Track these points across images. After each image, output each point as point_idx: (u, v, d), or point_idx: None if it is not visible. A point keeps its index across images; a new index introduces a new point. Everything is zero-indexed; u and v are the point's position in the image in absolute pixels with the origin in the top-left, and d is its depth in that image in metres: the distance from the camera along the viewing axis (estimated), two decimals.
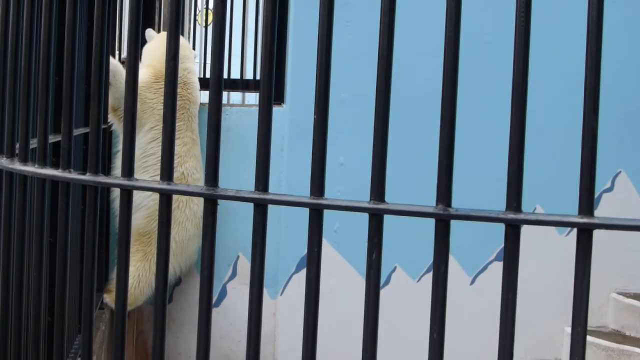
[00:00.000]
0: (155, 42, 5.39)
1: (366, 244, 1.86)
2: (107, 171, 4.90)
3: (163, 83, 5.20)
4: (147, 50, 5.39)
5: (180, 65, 5.15)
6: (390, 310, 5.23)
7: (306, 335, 1.91)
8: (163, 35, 5.50)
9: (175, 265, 5.33)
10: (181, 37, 5.92)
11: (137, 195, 4.96)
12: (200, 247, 5.37)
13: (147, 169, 5.05)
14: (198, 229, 5.29)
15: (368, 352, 1.87)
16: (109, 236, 5.07)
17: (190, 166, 5.19)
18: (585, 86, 1.73)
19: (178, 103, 5.12)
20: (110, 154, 5.09)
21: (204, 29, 7.87)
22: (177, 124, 5.08)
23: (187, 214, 5.25)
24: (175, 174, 5.13)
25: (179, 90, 5.18)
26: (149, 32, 5.53)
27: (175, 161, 5.14)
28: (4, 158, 2.40)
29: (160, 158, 5.32)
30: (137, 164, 4.89)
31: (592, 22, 1.71)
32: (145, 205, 5.05)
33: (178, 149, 5.12)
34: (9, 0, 2.43)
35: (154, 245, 5.13)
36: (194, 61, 5.64)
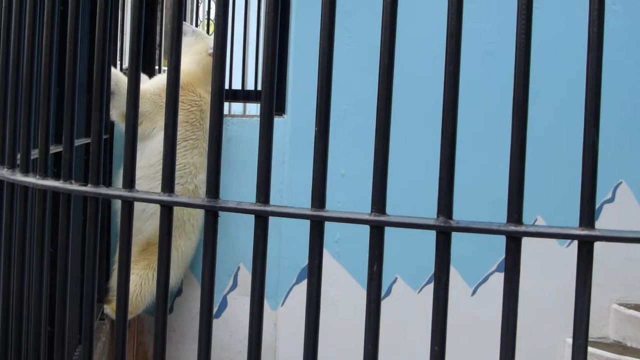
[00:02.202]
0: (187, 44, 5.39)
1: (367, 255, 1.86)
2: (108, 181, 4.90)
3: (184, 90, 5.20)
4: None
5: (208, 79, 5.19)
6: (391, 321, 5.23)
7: (307, 346, 1.91)
8: (199, 40, 5.48)
9: (178, 274, 5.33)
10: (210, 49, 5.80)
11: (149, 205, 4.94)
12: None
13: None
14: (197, 239, 5.30)
15: None
16: (109, 245, 5.07)
17: (202, 179, 5.18)
18: (586, 99, 1.73)
19: (196, 114, 5.19)
20: (112, 164, 5.09)
21: None
22: (196, 134, 5.13)
23: (194, 225, 5.26)
24: (190, 186, 5.15)
25: (199, 102, 5.21)
26: (185, 27, 5.50)
27: (191, 172, 5.15)
28: (6, 169, 2.41)
29: (176, 163, 5.28)
30: (157, 168, 4.89)
31: (592, 36, 1.71)
32: (157, 218, 4.97)
33: (195, 159, 5.14)
34: (11, 12, 2.43)
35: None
36: None
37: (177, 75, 2.05)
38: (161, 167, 5.02)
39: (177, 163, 5.07)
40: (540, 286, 5.31)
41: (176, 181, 5.09)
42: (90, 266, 2.22)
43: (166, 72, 5.47)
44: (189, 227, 5.22)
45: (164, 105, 4.90)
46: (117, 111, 4.91)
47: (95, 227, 2.19)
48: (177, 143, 5.08)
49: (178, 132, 4.93)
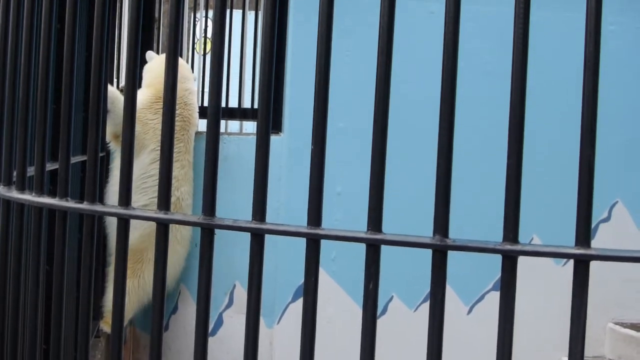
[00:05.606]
0: (156, 62, 5.38)
1: (363, 273, 1.85)
2: (101, 195, 4.89)
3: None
4: (147, 70, 5.37)
5: (181, 86, 5.18)
6: (387, 340, 5.22)
7: None
8: (164, 56, 5.46)
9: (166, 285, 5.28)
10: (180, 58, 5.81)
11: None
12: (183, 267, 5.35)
13: (146, 190, 4.98)
14: (185, 250, 5.29)
15: None
16: (105, 262, 5.05)
17: (184, 191, 5.16)
18: (582, 118, 1.73)
19: (178, 124, 5.17)
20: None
21: (202, 58, 7.88)
22: (177, 146, 5.09)
23: (178, 238, 5.23)
24: (172, 199, 5.08)
25: (179, 110, 5.19)
26: (150, 54, 5.52)
27: (173, 185, 5.10)
28: (2, 186, 2.41)
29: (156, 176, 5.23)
30: (136, 184, 4.84)
31: (589, 56, 1.72)
32: (141, 227, 4.97)
33: (176, 172, 5.07)
34: (7, 28, 2.44)
35: (143, 262, 5.10)
36: (193, 82, 5.62)
37: (174, 96, 2.05)
38: (142, 181, 4.94)
39: (156, 176, 5.06)
40: (536, 305, 5.30)
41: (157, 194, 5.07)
42: (85, 283, 2.22)
43: (143, 88, 5.37)
44: (173, 240, 5.18)
45: (147, 123, 4.83)
46: (111, 129, 4.91)
47: (91, 245, 2.19)
48: (156, 160, 5.05)
49: (157, 147, 4.94)
